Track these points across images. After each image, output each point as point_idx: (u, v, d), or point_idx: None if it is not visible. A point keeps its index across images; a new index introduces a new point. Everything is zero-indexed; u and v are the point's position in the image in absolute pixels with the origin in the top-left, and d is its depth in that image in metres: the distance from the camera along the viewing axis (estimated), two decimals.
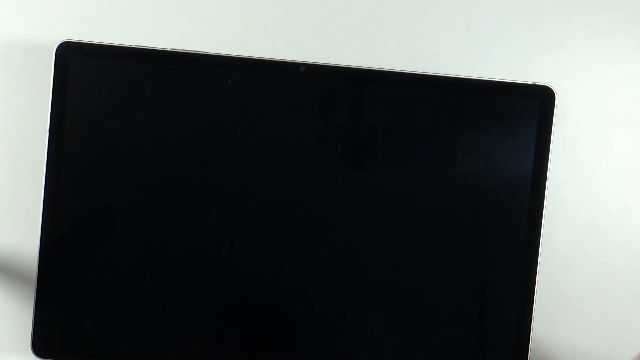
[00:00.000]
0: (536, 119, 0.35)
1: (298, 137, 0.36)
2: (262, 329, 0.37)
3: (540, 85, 0.34)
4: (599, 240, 0.42)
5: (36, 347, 0.37)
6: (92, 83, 0.36)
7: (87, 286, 0.37)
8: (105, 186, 0.36)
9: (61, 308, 0.37)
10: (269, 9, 0.42)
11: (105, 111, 0.36)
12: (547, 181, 0.35)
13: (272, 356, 0.37)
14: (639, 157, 0.42)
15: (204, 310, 0.37)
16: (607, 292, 0.41)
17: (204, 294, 0.37)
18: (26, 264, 0.43)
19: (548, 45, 0.42)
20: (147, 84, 0.36)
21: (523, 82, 0.34)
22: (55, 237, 0.36)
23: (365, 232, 0.36)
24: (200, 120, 0.36)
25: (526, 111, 0.35)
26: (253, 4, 0.42)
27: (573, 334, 0.42)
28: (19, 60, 0.43)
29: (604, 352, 0.40)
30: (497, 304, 0.36)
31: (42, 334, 0.37)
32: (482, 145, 0.35)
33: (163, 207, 0.36)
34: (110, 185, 0.36)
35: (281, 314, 0.36)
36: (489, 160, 0.35)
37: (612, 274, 0.43)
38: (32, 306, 0.41)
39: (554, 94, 0.34)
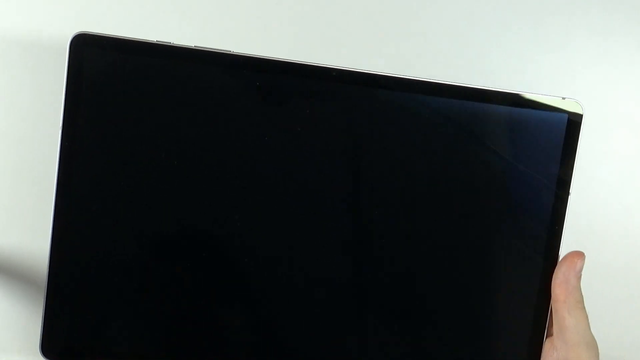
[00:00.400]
0: (563, 133, 0.35)
1: (327, 144, 0.35)
2: (276, 333, 0.36)
3: (569, 101, 0.34)
4: (599, 240, 0.42)
5: (45, 349, 0.36)
6: (108, 79, 0.35)
7: (99, 288, 0.36)
8: (119, 186, 0.36)
9: (72, 310, 0.36)
10: (268, 10, 0.42)
11: (122, 108, 0.35)
12: (569, 196, 0.35)
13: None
14: (639, 157, 0.42)
15: (218, 316, 0.36)
16: (607, 292, 0.41)
17: (218, 300, 0.36)
18: (26, 264, 0.43)
19: (548, 45, 0.42)
20: (167, 82, 0.35)
21: (552, 95, 0.34)
22: (66, 238, 0.36)
23: (385, 231, 0.36)
24: (224, 123, 0.35)
25: (554, 125, 0.35)
26: (258, 4, 0.42)
27: None
28: (18, 59, 0.43)
29: (603, 352, 0.40)
30: (512, 309, 0.36)
31: (52, 335, 0.36)
32: (506, 154, 0.35)
33: (179, 209, 0.36)
34: (125, 185, 0.36)
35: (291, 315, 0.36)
36: (512, 169, 0.35)
37: (612, 274, 0.43)
38: (32, 306, 0.41)
39: (582, 110, 0.34)
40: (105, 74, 0.35)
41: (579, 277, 0.34)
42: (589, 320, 0.34)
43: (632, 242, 0.43)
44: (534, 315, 0.36)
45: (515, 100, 0.35)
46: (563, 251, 0.35)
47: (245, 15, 0.42)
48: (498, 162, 0.35)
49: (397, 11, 0.42)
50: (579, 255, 0.34)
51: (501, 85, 0.36)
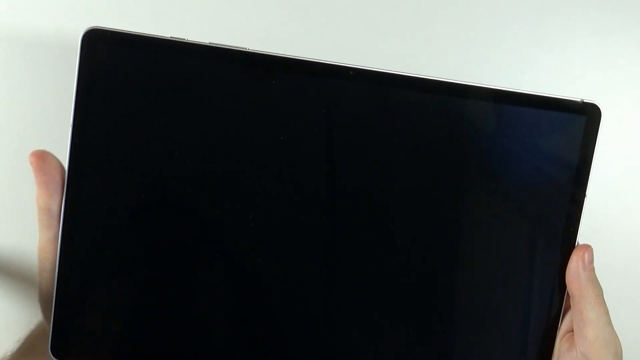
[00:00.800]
0: (581, 136, 0.35)
1: (346, 142, 0.35)
2: (294, 342, 0.36)
3: (588, 103, 0.35)
4: (599, 240, 0.42)
5: (54, 349, 0.36)
6: (121, 75, 0.34)
7: (110, 287, 0.36)
8: (130, 185, 0.35)
9: (81, 310, 0.36)
10: (268, 6, 0.42)
11: (134, 106, 0.34)
12: (585, 198, 0.35)
13: None
14: (639, 157, 0.42)
15: (233, 320, 0.36)
16: (607, 292, 0.41)
17: (234, 303, 0.36)
18: (26, 264, 0.43)
19: (548, 45, 0.42)
20: (181, 79, 0.34)
21: (571, 98, 0.34)
22: (76, 238, 0.35)
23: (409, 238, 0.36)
24: (238, 121, 0.35)
25: (571, 127, 0.35)
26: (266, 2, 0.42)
27: None
28: (17, 58, 0.43)
29: None
30: (526, 308, 0.36)
31: (62, 335, 0.36)
32: (523, 154, 0.35)
33: (192, 209, 0.35)
34: (136, 184, 0.35)
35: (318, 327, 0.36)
36: (529, 169, 0.35)
37: (612, 274, 0.43)
38: (32, 306, 0.40)
39: (600, 113, 0.34)
40: (117, 71, 0.34)
41: (592, 269, 0.33)
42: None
43: (632, 242, 0.43)
44: (548, 312, 0.35)
45: (533, 101, 0.35)
46: None
47: (252, 13, 0.42)
48: (514, 162, 0.35)
49: (397, 11, 0.42)
50: (584, 247, 0.34)
51: (500, 86, 0.36)
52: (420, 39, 0.42)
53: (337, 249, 0.36)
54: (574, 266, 0.34)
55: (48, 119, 0.43)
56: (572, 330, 0.34)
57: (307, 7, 0.42)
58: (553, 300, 0.36)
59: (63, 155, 0.37)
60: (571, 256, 0.34)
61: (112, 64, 0.34)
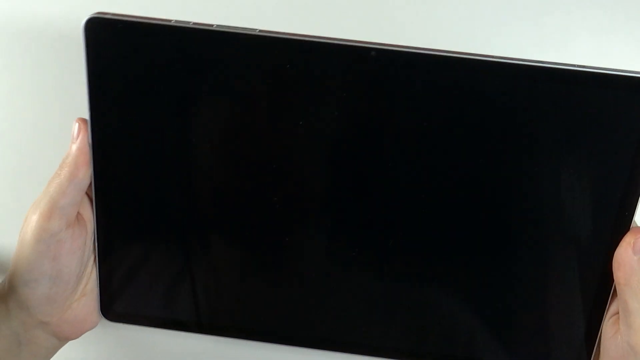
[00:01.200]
0: None
1: (362, 126, 0.34)
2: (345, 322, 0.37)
3: None
4: None
5: (105, 311, 0.37)
6: (128, 63, 0.33)
7: (146, 254, 0.37)
8: (151, 162, 0.36)
9: (123, 273, 0.37)
10: None
11: (146, 94, 0.34)
12: None
13: None
14: None
15: (275, 285, 0.37)
16: None
17: (273, 270, 0.37)
18: None
19: (548, 45, 0.42)
20: (189, 65, 0.33)
21: (635, 74, 0.32)
22: (113, 201, 0.36)
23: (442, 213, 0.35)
24: (252, 107, 0.33)
25: (634, 104, 0.32)
26: None
27: None
28: (18, 56, 0.43)
29: None
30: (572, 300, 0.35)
31: (108, 298, 0.37)
32: (580, 134, 0.33)
33: (215, 189, 0.36)
34: (156, 163, 0.36)
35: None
36: (586, 149, 0.33)
37: None
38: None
39: None
40: (123, 57, 0.33)
41: None
42: None
43: None
44: (595, 298, 0.34)
45: (593, 77, 0.32)
46: None
47: None
48: (572, 140, 0.33)
49: (395, 10, 0.42)
50: (637, 232, 0.32)
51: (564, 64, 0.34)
52: (418, 37, 0.42)
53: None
54: (622, 251, 0.32)
55: (49, 118, 0.43)
56: (619, 313, 0.33)
57: None
58: (602, 284, 0.34)
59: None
60: (621, 241, 0.32)
61: (116, 51, 0.33)
